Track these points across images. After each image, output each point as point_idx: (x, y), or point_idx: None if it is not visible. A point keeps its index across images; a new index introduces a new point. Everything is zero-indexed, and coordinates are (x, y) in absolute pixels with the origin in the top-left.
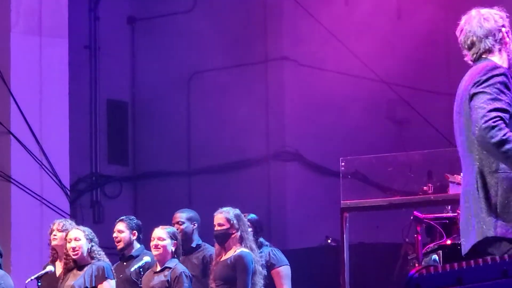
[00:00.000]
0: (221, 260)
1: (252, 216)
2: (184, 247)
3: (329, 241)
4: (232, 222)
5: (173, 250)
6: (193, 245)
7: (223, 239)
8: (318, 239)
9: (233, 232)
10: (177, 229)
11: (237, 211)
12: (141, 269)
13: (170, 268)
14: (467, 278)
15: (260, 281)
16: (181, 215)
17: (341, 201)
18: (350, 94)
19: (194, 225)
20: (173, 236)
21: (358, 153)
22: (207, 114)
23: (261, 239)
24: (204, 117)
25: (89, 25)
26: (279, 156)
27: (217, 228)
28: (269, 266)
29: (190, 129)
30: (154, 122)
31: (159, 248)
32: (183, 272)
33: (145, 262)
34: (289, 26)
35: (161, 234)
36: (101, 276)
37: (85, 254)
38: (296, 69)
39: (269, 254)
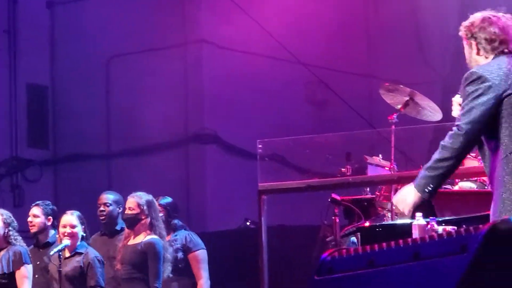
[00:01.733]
0: (130, 244)
1: (167, 199)
2: (109, 229)
3: (248, 223)
4: (142, 207)
5: (83, 234)
6: (118, 228)
7: (132, 223)
8: (238, 221)
9: (143, 217)
10: (104, 210)
11: (150, 197)
12: (60, 253)
13: (81, 253)
14: (378, 261)
15: (168, 268)
16: (108, 197)
17: (259, 184)
18: (269, 76)
19: (120, 208)
20: (82, 221)
21: (276, 135)
22: (126, 98)
23: (175, 221)
24: (123, 101)
25: (8, 9)
26: (198, 138)
27: (127, 211)
28: (186, 250)
29: (109, 112)
30: (73, 106)
31: (73, 236)
32: (96, 257)
33: (65, 246)
34: (207, 9)
35: (72, 221)
36: (19, 261)
37: (0, 238)
38: (214, 51)
39: (185, 238)
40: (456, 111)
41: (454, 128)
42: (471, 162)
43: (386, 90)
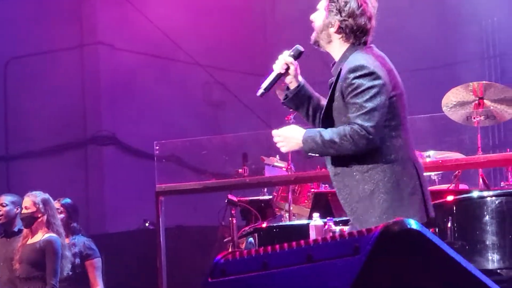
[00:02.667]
0: (29, 243)
1: (67, 200)
2: (7, 230)
3: (147, 224)
4: (38, 206)
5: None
6: (16, 229)
7: (29, 222)
8: (137, 222)
9: (39, 215)
10: (0, 211)
11: (46, 195)
12: None
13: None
14: (272, 263)
15: (67, 265)
16: (6, 198)
17: (156, 185)
18: (165, 76)
19: (18, 209)
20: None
21: (174, 137)
22: (24, 99)
23: (74, 224)
24: (22, 103)
25: None
26: (96, 140)
27: (23, 211)
28: (84, 256)
29: (7, 114)
30: None
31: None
32: None
33: None
34: (104, 10)
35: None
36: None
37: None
38: (111, 53)
39: (83, 244)
40: (278, 66)
41: (359, 128)
42: None
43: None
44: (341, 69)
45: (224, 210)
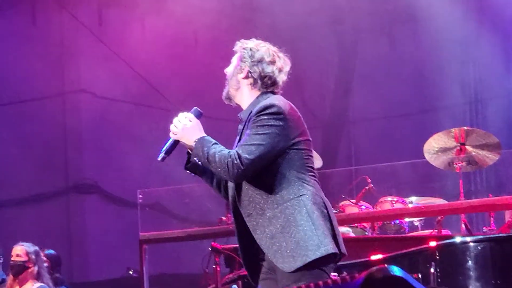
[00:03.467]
0: None
1: (50, 251)
2: None
3: (131, 272)
4: (30, 256)
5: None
6: None
7: (19, 270)
8: (120, 270)
9: (30, 266)
10: None
11: (37, 248)
12: None
13: None
14: None
15: None
16: None
17: (140, 233)
18: (147, 124)
19: (0, 259)
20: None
21: (157, 185)
22: (6, 146)
23: (57, 275)
24: (3, 150)
25: None
26: (78, 188)
27: (15, 258)
28: None
29: None
30: None
31: None
32: None
33: None
34: (86, 58)
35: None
36: None
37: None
38: (93, 100)
39: None
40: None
41: (236, 156)
42: (352, 208)
43: None
44: (251, 112)
45: (208, 257)
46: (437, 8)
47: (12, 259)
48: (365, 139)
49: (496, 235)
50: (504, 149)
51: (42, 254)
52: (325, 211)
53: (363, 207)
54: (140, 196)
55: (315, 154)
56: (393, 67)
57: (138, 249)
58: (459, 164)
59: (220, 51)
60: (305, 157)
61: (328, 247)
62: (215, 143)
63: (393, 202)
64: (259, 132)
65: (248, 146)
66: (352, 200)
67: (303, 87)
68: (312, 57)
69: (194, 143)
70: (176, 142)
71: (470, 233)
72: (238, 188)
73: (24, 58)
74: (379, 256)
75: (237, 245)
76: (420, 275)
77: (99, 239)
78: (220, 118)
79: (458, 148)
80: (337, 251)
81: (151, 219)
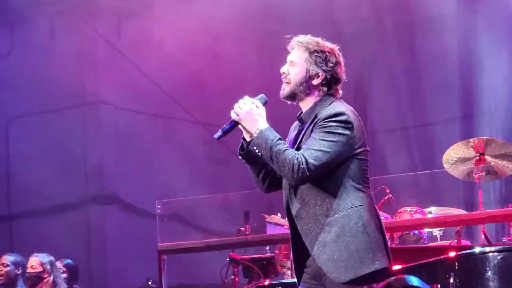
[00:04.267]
0: None
1: (68, 261)
2: None
3: (150, 282)
4: (45, 266)
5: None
6: None
7: (35, 282)
8: (139, 281)
9: (45, 276)
10: (1, 271)
11: (52, 258)
12: None
13: None
14: None
15: None
16: (8, 258)
17: (158, 244)
18: (165, 135)
19: (19, 270)
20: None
21: (175, 195)
22: (27, 158)
23: (76, 286)
24: (23, 161)
25: None
26: (97, 199)
27: (30, 270)
28: None
29: (9, 173)
30: None
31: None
32: None
33: None
34: (105, 70)
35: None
36: None
37: None
38: (112, 111)
39: None
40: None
41: (304, 160)
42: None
43: None
44: (316, 114)
45: (227, 268)
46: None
47: (27, 271)
48: (384, 149)
49: None
50: None
51: (58, 263)
52: (379, 223)
53: (382, 217)
54: (159, 206)
55: None
56: (412, 78)
57: (157, 260)
58: (478, 174)
59: (240, 62)
60: (364, 167)
61: (382, 261)
62: (280, 139)
63: (412, 212)
64: (327, 139)
65: (315, 151)
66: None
67: None
68: None
69: (257, 131)
70: (236, 124)
71: (489, 243)
72: (293, 190)
73: (44, 70)
74: (398, 267)
75: (256, 256)
76: (439, 286)
77: (119, 249)
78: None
79: (477, 158)
80: (389, 266)
81: (170, 230)
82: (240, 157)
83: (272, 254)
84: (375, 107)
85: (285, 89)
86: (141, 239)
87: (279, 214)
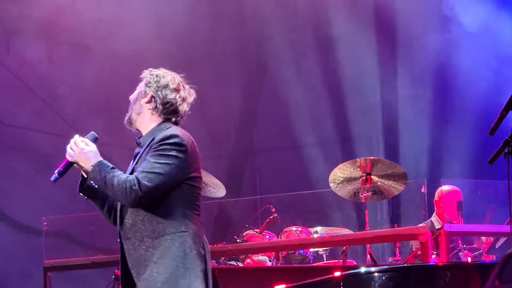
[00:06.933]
0: None
1: None
2: None
3: None
4: None
5: None
6: None
7: None
8: None
9: None
10: None
11: None
12: None
13: None
14: None
15: None
16: None
17: (44, 261)
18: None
19: None
20: None
21: (62, 212)
22: None
23: None
24: None
25: None
26: None
27: None
28: None
29: None
30: None
31: None
32: None
33: None
34: None
35: None
36: None
37: None
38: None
39: None
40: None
41: (136, 182)
42: (256, 238)
43: None
44: (153, 138)
45: (112, 285)
46: (349, 37)
47: None
48: (269, 168)
49: (401, 265)
50: (410, 179)
51: None
52: (203, 252)
53: (267, 236)
54: (45, 223)
55: (217, 183)
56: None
57: (43, 277)
58: (365, 194)
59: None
60: (195, 194)
61: None
62: (113, 167)
63: (298, 232)
64: (160, 161)
65: (148, 173)
66: (256, 230)
67: (207, 116)
68: (217, 86)
69: (91, 167)
70: (71, 164)
71: (375, 263)
72: (123, 210)
73: None
74: (283, 286)
75: None
76: None
77: (4, 267)
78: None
79: (364, 178)
80: None
81: (56, 247)
82: (81, 194)
83: None
84: (260, 126)
85: (127, 114)
86: (27, 256)
87: None
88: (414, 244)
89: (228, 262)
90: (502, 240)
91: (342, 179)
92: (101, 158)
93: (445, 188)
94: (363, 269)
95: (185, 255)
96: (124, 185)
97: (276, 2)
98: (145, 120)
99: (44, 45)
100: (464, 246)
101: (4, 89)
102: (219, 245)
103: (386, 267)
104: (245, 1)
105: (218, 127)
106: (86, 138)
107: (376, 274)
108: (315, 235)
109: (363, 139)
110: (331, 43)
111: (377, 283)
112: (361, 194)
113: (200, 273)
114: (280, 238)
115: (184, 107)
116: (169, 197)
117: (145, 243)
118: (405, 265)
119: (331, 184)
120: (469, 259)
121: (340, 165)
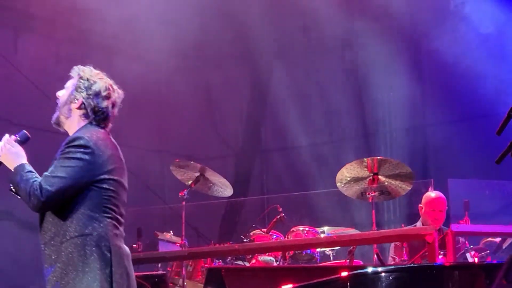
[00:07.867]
0: None
1: None
2: None
3: None
4: None
5: None
6: None
7: None
8: None
9: None
10: None
11: None
12: None
13: None
14: None
15: None
16: None
17: None
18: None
19: None
20: None
21: None
22: None
23: None
24: None
25: None
26: None
27: None
28: None
29: None
30: None
31: None
32: None
33: None
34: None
35: None
36: None
37: None
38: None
39: None
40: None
41: (38, 187)
42: (263, 238)
43: (177, 166)
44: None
45: None
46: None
47: None
48: (277, 168)
49: (408, 265)
50: (417, 180)
51: None
52: (108, 255)
53: (274, 236)
54: None
55: (224, 182)
56: (303, 96)
57: None
58: (372, 194)
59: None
60: (105, 197)
61: None
62: (30, 171)
63: (305, 231)
64: (64, 165)
65: (51, 177)
66: (263, 230)
67: (215, 116)
68: (225, 85)
69: (14, 171)
70: (1, 163)
71: (382, 263)
72: (40, 214)
73: None
74: (289, 286)
75: (147, 273)
76: None
77: (12, 266)
78: (140, 148)
79: (371, 178)
80: None
81: None
82: (12, 192)
83: (164, 272)
84: (268, 126)
85: (55, 113)
86: (37, 255)
87: (171, 231)
88: (392, 251)
89: (235, 262)
90: (509, 240)
91: (349, 179)
92: (23, 161)
93: (430, 195)
94: (370, 269)
95: (85, 259)
96: (28, 190)
97: (282, 3)
98: (73, 124)
99: (52, 44)
100: (471, 246)
101: (11, 88)
102: (226, 245)
103: (393, 267)
104: (254, 2)
105: (226, 127)
106: (17, 137)
107: (383, 274)
108: (322, 235)
109: (371, 138)
110: (340, 43)
111: (384, 283)
112: (368, 194)
113: (99, 276)
114: (287, 237)
115: (115, 112)
116: (74, 200)
117: (54, 247)
118: (412, 265)
119: (338, 184)
120: (476, 260)
121: (347, 165)
